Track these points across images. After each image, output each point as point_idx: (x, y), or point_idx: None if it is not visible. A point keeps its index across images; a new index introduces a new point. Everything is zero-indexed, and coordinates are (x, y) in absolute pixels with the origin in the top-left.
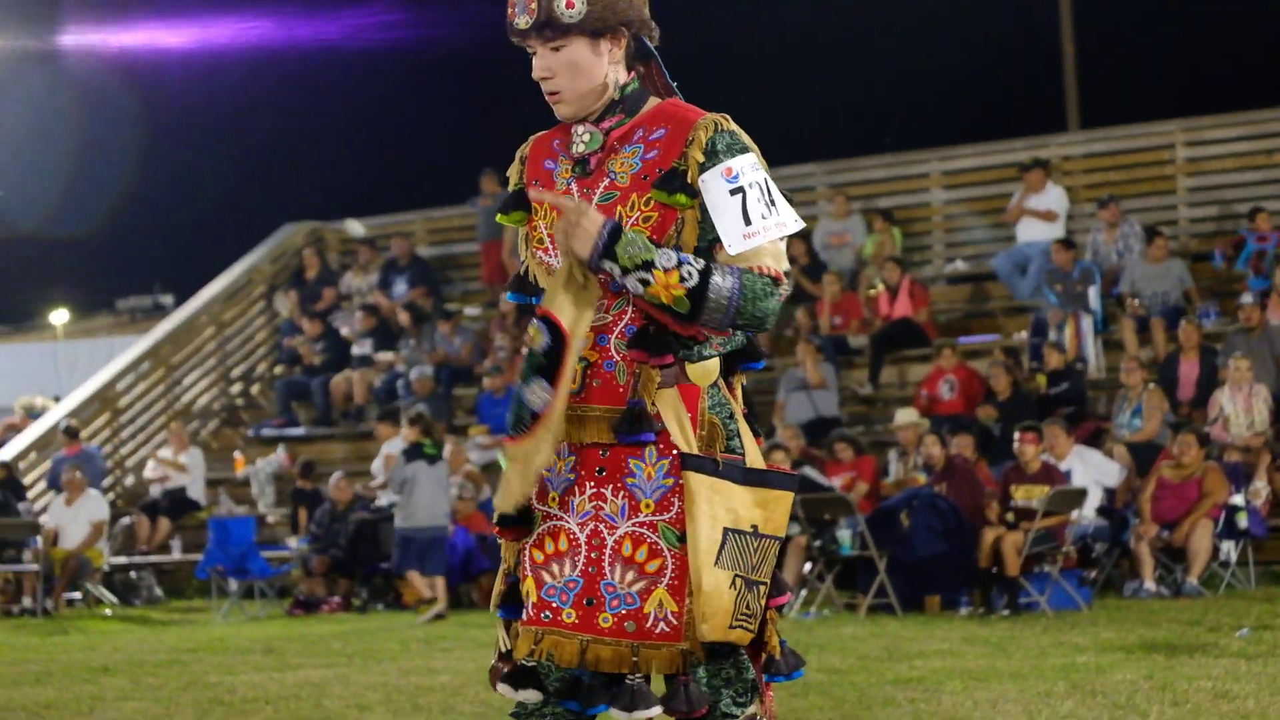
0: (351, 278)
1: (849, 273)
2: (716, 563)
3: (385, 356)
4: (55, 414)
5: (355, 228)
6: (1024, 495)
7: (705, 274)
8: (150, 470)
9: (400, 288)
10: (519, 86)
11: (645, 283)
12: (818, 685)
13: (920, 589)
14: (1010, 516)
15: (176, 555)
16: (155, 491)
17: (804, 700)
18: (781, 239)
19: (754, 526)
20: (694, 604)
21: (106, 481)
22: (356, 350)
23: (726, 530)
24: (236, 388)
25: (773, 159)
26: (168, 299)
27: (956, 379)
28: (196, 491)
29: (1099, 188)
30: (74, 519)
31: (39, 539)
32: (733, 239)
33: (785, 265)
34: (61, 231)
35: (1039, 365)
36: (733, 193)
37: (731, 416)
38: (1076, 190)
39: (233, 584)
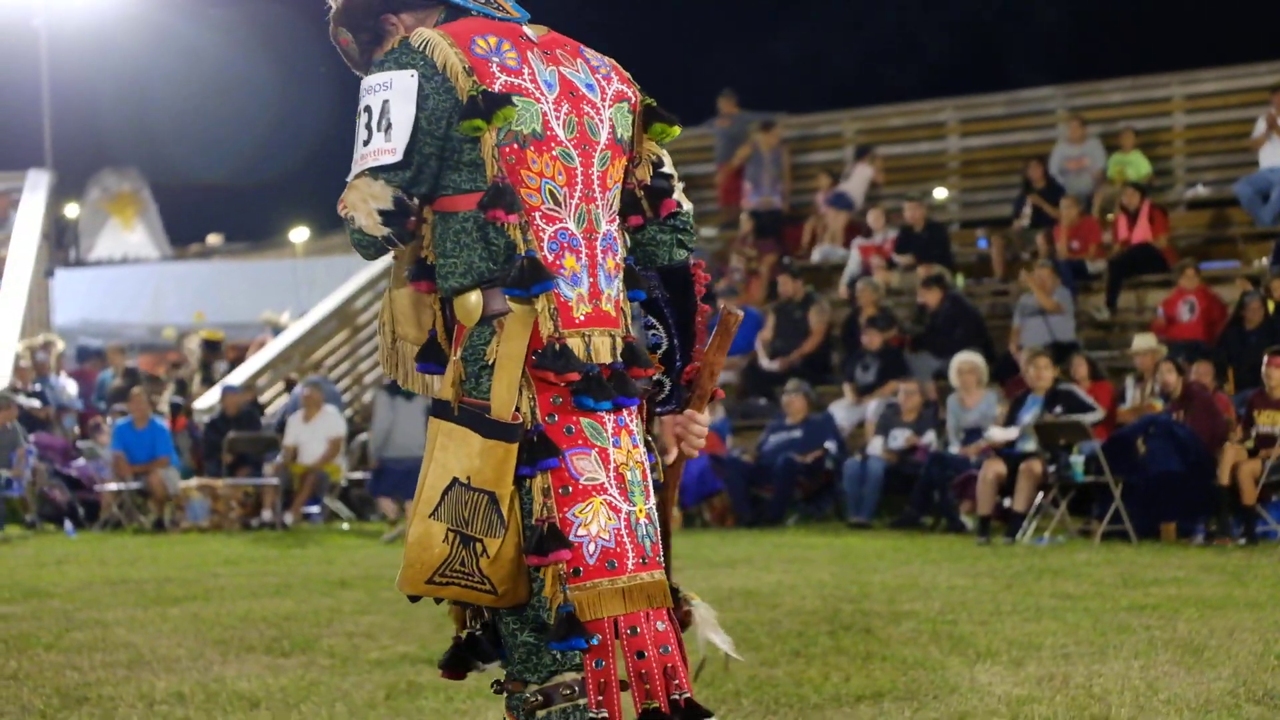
0: None
1: (1086, 197)
2: (433, 514)
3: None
4: (296, 330)
5: None
6: (1267, 421)
7: None
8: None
9: None
10: (757, 8)
11: None
12: (1051, 610)
13: (1156, 516)
14: (1251, 443)
15: None
16: None
17: (1036, 625)
18: (367, 187)
19: (469, 477)
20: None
21: (345, 398)
22: None
23: (455, 480)
24: None
25: (1011, 81)
26: None
27: (1197, 301)
28: None
29: None
30: (312, 435)
31: (278, 454)
32: (352, 167)
33: (352, 209)
34: (302, 150)
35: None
36: (357, 115)
37: (482, 359)
38: None
39: None
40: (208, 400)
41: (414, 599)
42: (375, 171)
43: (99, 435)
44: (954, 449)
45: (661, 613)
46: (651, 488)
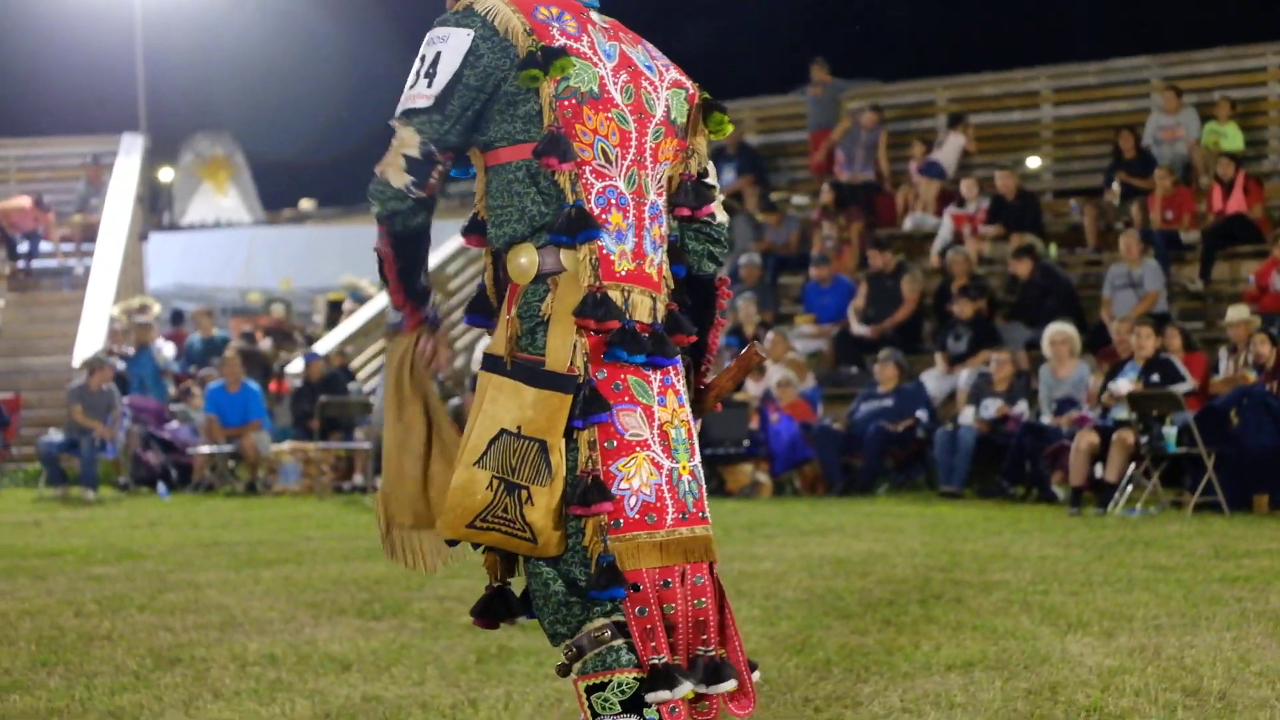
0: None
1: (1181, 167)
2: (478, 462)
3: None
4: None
5: None
6: None
7: None
8: (479, 352)
9: (728, 175)
10: None
11: None
12: (1142, 581)
13: (1248, 488)
14: None
15: None
16: None
17: (1128, 596)
18: (400, 132)
19: (519, 427)
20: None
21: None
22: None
23: (503, 430)
24: None
25: (1104, 51)
26: None
27: None
28: None
29: None
30: None
31: (370, 418)
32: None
33: (383, 163)
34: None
35: None
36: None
37: (537, 315)
38: None
39: None
40: (297, 366)
41: (452, 544)
42: (409, 114)
43: (191, 399)
44: (1045, 419)
45: (701, 567)
46: (697, 446)
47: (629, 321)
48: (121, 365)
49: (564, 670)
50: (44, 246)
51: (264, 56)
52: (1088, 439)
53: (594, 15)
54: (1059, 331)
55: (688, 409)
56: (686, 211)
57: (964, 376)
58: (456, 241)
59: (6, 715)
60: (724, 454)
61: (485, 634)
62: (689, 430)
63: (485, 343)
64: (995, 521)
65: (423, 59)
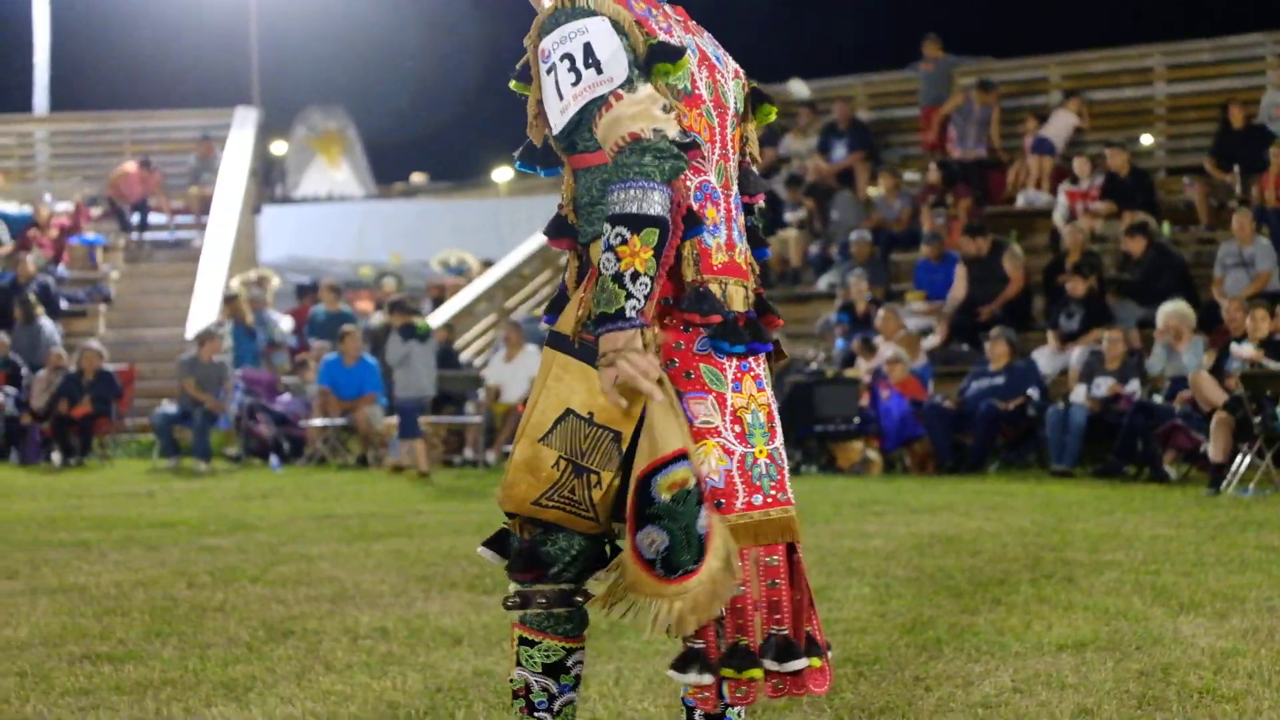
0: (791, 141)
1: None
2: (543, 439)
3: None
4: (498, 270)
5: (800, 88)
6: None
7: (609, 218)
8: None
9: (839, 151)
10: None
11: (616, 263)
12: (1255, 562)
13: None
14: None
15: None
16: None
17: (1241, 577)
18: (636, 98)
19: (590, 414)
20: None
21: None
22: (790, 215)
23: (569, 410)
24: None
25: (1219, 27)
26: None
27: None
28: None
29: None
30: (514, 374)
31: (480, 393)
32: (554, 120)
33: (643, 123)
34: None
35: None
36: (547, 74)
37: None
38: None
39: None
40: None
41: (511, 516)
42: (597, 103)
43: (305, 371)
44: (1158, 398)
45: (776, 549)
46: (778, 429)
47: (729, 314)
48: (233, 338)
49: (506, 606)
50: (155, 219)
51: (377, 31)
52: (1224, 417)
53: (666, 8)
54: (1174, 310)
55: (768, 393)
56: (746, 198)
57: (1076, 354)
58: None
59: (121, 685)
60: (834, 431)
61: (594, 609)
62: (768, 414)
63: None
64: (1107, 501)
65: (569, 58)
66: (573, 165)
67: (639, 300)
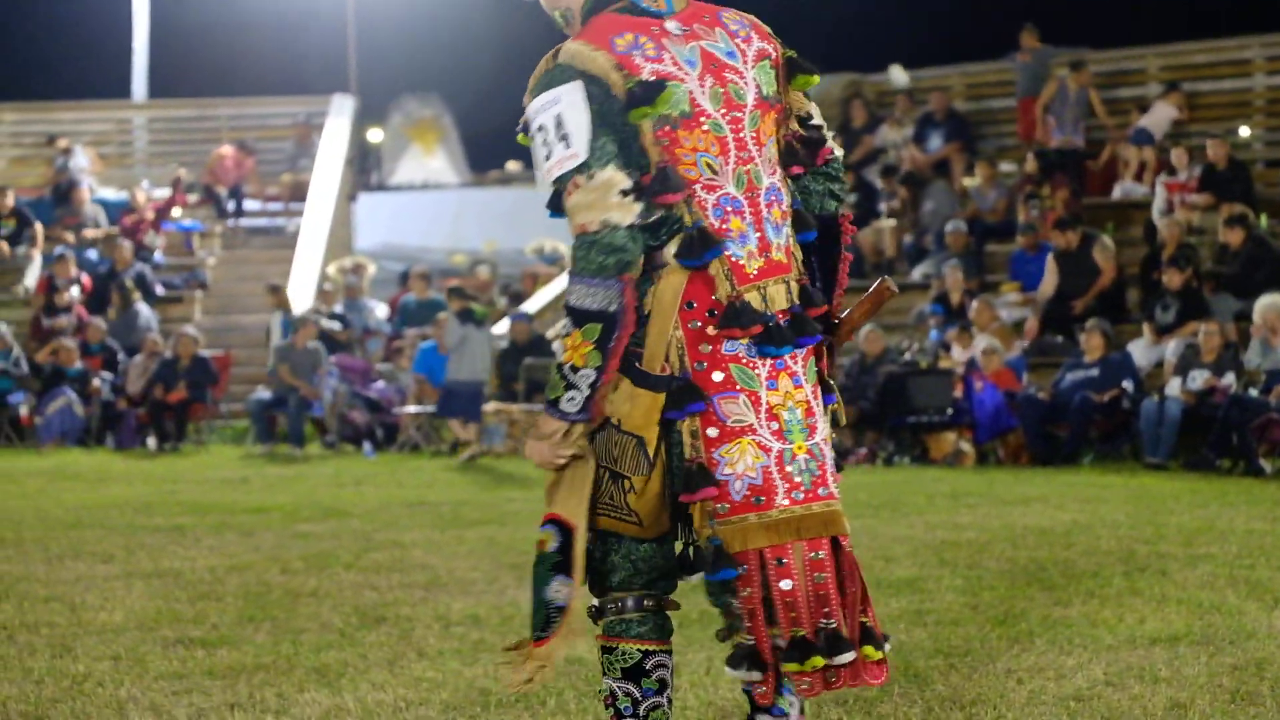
0: (887, 130)
1: None
2: (600, 454)
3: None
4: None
5: (900, 76)
6: None
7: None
8: None
9: (935, 142)
10: None
11: (562, 353)
12: None
13: None
14: None
15: None
16: None
17: None
18: (591, 186)
19: (619, 420)
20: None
21: None
22: (884, 205)
23: (607, 420)
24: None
25: None
26: None
27: None
28: None
29: None
30: None
31: None
32: (540, 188)
33: (594, 214)
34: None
35: None
36: (533, 139)
37: (641, 309)
38: None
39: None
40: (501, 328)
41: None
42: (563, 179)
43: (400, 358)
44: (1254, 391)
45: (821, 543)
46: (819, 424)
47: (771, 317)
48: (334, 324)
49: (589, 616)
50: (250, 205)
51: (474, 19)
52: None
53: (669, 23)
54: (1272, 304)
55: (806, 389)
56: (800, 169)
57: (1171, 347)
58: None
59: (214, 670)
60: (928, 422)
61: (686, 598)
62: (807, 410)
63: None
64: (1201, 494)
65: (543, 129)
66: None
67: (579, 391)
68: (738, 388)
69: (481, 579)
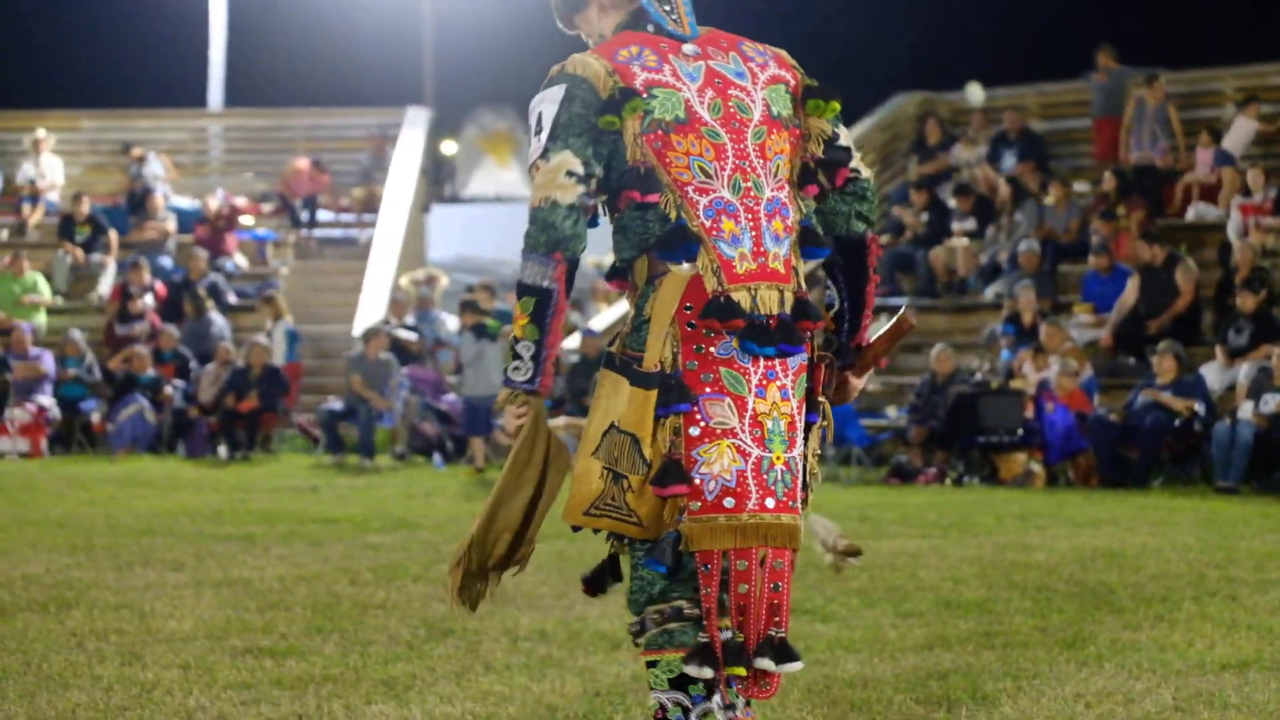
0: (960, 149)
1: None
2: (594, 452)
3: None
4: None
5: (976, 93)
6: None
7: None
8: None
9: (1009, 160)
10: None
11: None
12: None
13: None
14: None
15: None
16: None
17: None
18: (548, 168)
19: (617, 421)
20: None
21: None
22: (958, 224)
23: (612, 424)
24: None
25: None
26: None
27: None
28: None
29: None
30: None
31: None
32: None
33: (543, 193)
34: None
35: None
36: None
37: (643, 314)
38: None
39: (830, 450)
40: (573, 341)
41: (576, 529)
42: (530, 167)
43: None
44: None
45: (783, 553)
46: (799, 440)
47: (759, 317)
48: (409, 335)
49: (630, 634)
50: (323, 215)
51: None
52: None
53: (686, 46)
54: None
55: (793, 404)
56: (815, 190)
57: (1244, 370)
58: None
59: (282, 680)
60: (998, 442)
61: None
62: (790, 423)
63: None
64: (1272, 519)
65: (530, 128)
66: (611, 214)
67: (523, 364)
68: (725, 391)
69: (549, 593)
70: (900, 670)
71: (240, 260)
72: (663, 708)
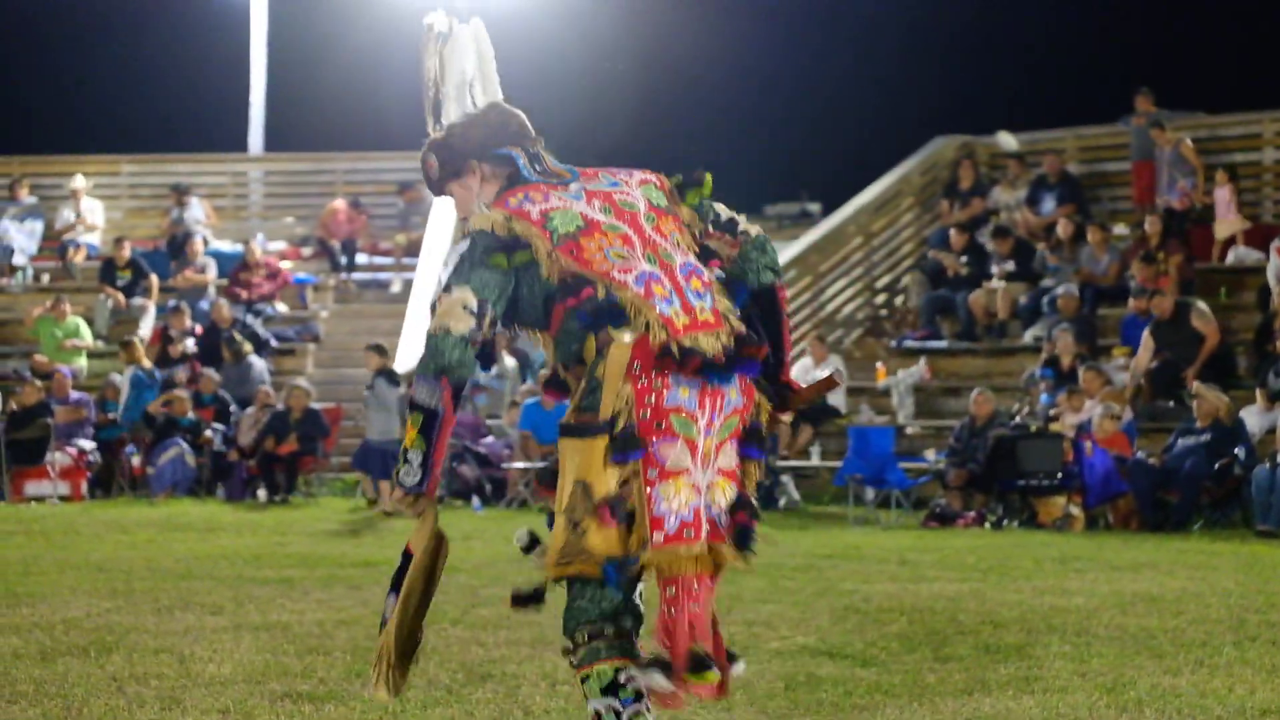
0: (999, 192)
1: None
2: (565, 510)
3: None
4: None
5: (1008, 141)
6: None
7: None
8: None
9: (1048, 204)
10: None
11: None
12: None
13: None
14: None
15: (815, 461)
16: None
17: None
18: (449, 299)
19: (573, 473)
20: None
21: None
22: (997, 267)
23: (577, 482)
24: (881, 298)
25: None
26: (815, 207)
27: None
28: (837, 399)
29: None
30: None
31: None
32: None
33: (435, 322)
34: (716, 135)
35: None
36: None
37: (595, 379)
38: None
39: (869, 493)
40: None
41: (557, 581)
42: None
43: (509, 414)
44: None
45: (704, 576)
46: (720, 469)
47: (706, 356)
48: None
49: (564, 655)
50: (360, 259)
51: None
52: None
53: (571, 186)
54: None
55: (724, 438)
56: (718, 263)
57: None
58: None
59: None
60: (1037, 485)
61: (793, 660)
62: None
63: None
64: None
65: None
66: (552, 334)
67: (411, 469)
68: (676, 434)
69: None
70: (939, 715)
71: (281, 306)
72: (597, 714)
